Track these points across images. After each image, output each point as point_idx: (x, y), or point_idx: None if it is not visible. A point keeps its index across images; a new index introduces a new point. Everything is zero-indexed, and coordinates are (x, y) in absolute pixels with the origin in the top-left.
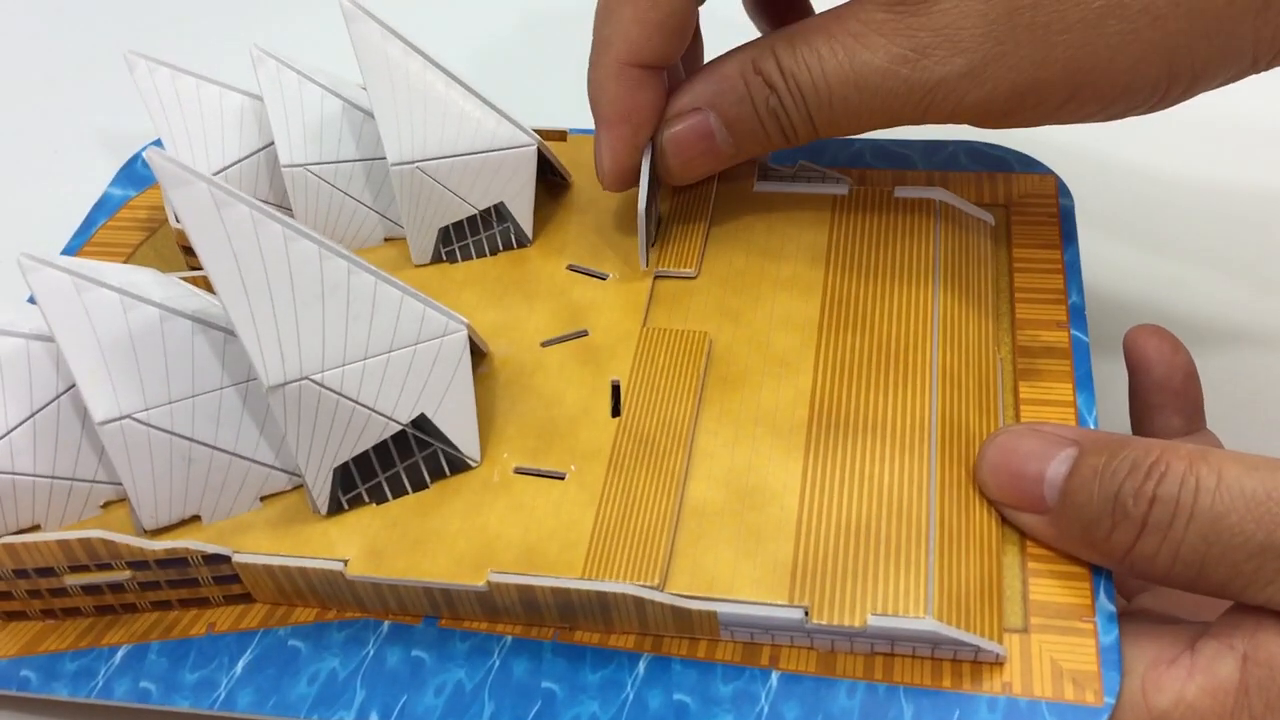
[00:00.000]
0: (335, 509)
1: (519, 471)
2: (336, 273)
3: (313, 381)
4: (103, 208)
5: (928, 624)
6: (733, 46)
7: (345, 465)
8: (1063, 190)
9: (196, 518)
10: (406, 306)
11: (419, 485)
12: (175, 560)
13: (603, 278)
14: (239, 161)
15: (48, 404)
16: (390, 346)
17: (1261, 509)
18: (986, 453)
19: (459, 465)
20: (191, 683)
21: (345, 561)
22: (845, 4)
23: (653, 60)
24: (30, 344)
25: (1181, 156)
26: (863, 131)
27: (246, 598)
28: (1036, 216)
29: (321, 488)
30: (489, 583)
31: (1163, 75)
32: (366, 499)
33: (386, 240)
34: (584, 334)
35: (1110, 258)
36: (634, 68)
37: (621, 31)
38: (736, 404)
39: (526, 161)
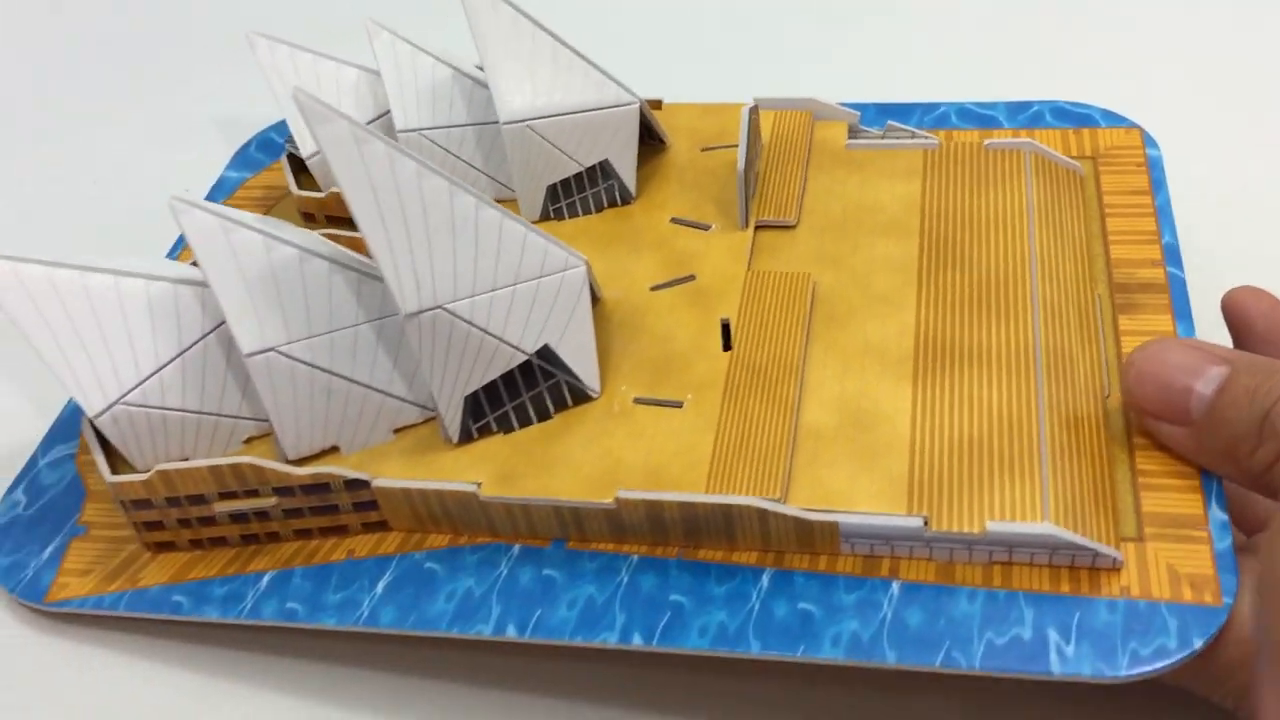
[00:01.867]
0: (466, 437)
1: (638, 401)
2: (465, 208)
3: (446, 310)
4: (220, 189)
5: (1045, 528)
6: None
7: (475, 394)
8: (1149, 141)
9: (335, 449)
10: (530, 242)
11: (543, 415)
12: (318, 486)
13: (705, 228)
14: None
15: (194, 343)
16: (516, 279)
17: None
18: (1135, 360)
19: (580, 396)
20: (335, 603)
21: (479, 484)
22: None
23: None
24: (178, 288)
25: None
26: None
27: (383, 525)
28: (1125, 166)
29: (453, 416)
30: (618, 499)
31: None
32: (495, 428)
33: (496, 201)
34: (691, 278)
35: (1201, 221)
36: None
37: None
38: (843, 339)
39: (629, 119)
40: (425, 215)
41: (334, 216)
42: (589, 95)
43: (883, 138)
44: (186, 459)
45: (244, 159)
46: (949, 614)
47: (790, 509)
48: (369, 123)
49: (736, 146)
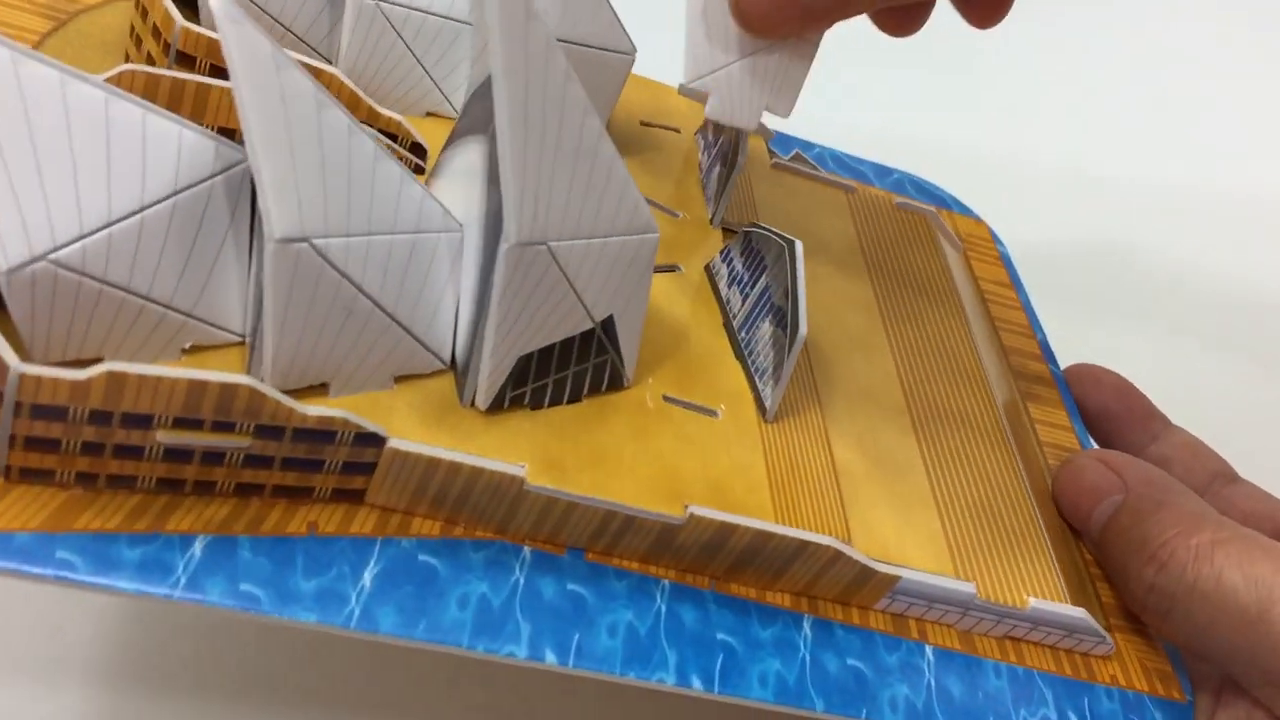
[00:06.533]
0: (496, 405)
1: (667, 400)
2: (591, 135)
3: (549, 249)
4: None
5: (1079, 613)
6: None
7: (529, 356)
8: (996, 238)
9: (323, 386)
10: (629, 192)
11: (575, 396)
12: (319, 433)
13: (675, 215)
14: None
15: (162, 200)
16: (610, 231)
17: (1250, 628)
18: (1060, 474)
19: (616, 381)
20: (310, 591)
21: (524, 468)
22: None
23: None
24: (183, 131)
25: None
26: None
27: (355, 495)
28: (985, 256)
29: (496, 379)
30: (690, 516)
31: None
32: (526, 400)
33: (428, 114)
34: (676, 269)
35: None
36: None
37: None
38: (837, 374)
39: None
40: (559, 137)
41: (220, 67)
42: None
43: (790, 162)
44: (101, 358)
45: None
46: (984, 687)
47: (860, 556)
48: None
49: (675, 130)
